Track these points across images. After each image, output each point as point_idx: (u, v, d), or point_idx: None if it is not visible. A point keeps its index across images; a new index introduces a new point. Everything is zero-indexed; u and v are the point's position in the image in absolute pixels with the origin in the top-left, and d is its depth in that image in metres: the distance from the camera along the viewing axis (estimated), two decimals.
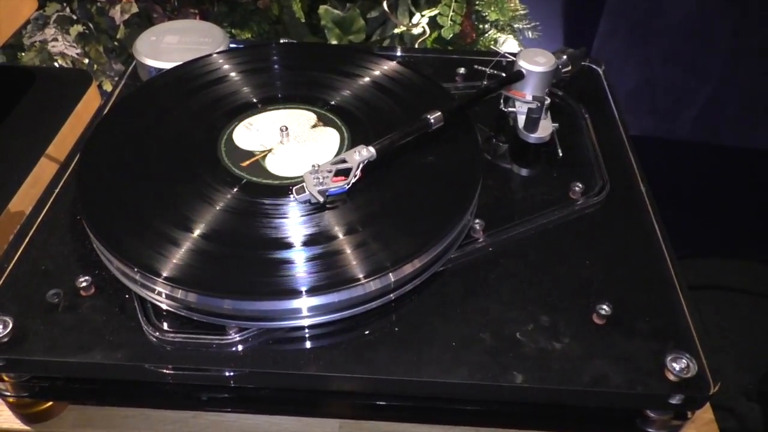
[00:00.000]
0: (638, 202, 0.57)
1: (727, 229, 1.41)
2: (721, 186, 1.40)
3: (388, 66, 0.63)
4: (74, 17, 1.10)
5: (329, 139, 0.57)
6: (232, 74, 0.63)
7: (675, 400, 0.44)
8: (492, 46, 1.20)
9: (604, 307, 0.48)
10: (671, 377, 0.44)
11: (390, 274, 0.46)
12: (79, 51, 1.08)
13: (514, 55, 0.64)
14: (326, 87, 0.62)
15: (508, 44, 1.22)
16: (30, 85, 0.91)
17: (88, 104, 0.93)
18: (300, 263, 0.46)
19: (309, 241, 0.48)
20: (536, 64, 0.60)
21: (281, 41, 0.78)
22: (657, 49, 1.31)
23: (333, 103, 0.60)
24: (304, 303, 0.45)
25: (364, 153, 0.51)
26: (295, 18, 1.13)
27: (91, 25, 1.11)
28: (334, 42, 1.12)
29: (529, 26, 1.21)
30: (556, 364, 0.45)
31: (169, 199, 0.51)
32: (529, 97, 0.61)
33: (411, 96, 0.60)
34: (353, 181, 0.50)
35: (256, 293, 0.44)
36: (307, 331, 0.46)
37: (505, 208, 0.56)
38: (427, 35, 1.11)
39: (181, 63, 0.63)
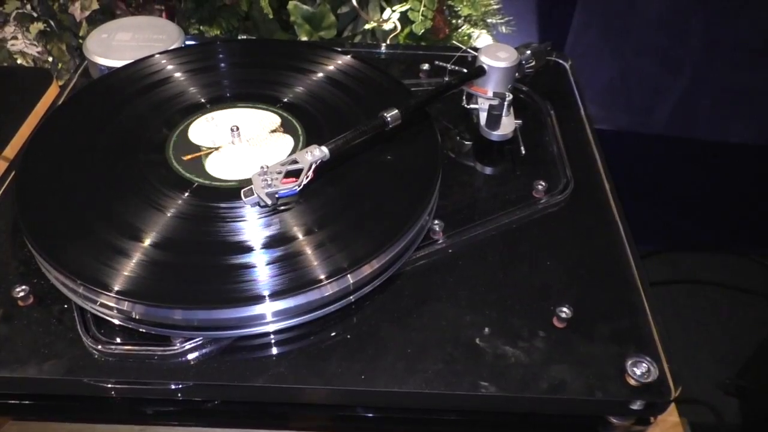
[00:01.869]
0: (602, 200, 0.56)
1: (703, 222, 1.41)
2: (697, 180, 1.40)
3: (347, 62, 0.62)
4: (35, 14, 1.07)
5: (284, 143, 0.55)
6: (184, 73, 0.61)
7: (636, 406, 0.43)
8: (465, 42, 1.19)
9: (565, 309, 0.46)
10: (632, 382, 0.43)
11: (349, 275, 0.44)
12: (39, 49, 1.05)
13: (476, 50, 0.62)
14: (281, 84, 0.60)
15: (481, 39, 1.21)
16: None
17: (48, 104, 0.90)
18: (252, 268, 0.44)
19: (263, 245, 0.46)
20: (498, 59, 0.59)
21: (239, 38, 0.76)
22: (631, 43, 1.30)
23: (286, 100, 0.58)
24: (252, 310, 0.43)
25: (317, 153, 0.49)
26: (264, 14, 1.11)
27: (52, 23, 1.08)
28: (304, 38, 1.09)
29: (502, 21, 1.20)
30: (514, 370, 0.43)
31: (113, 204, 0.48)
32: (490, 94, 0.59)
33: (371, 93, 0.59)
34: (305, 182, 0.48)
35: (199, 302, 0.42)
36: (255, 340, 0.44)
37: (466, 208, 0.55)
38: (399, 31, 1.09)
39: (132, 61, 0.61)
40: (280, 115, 0.57)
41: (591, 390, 0.42)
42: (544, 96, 0.66)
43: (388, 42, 1.11)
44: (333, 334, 0.45)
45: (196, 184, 0.50)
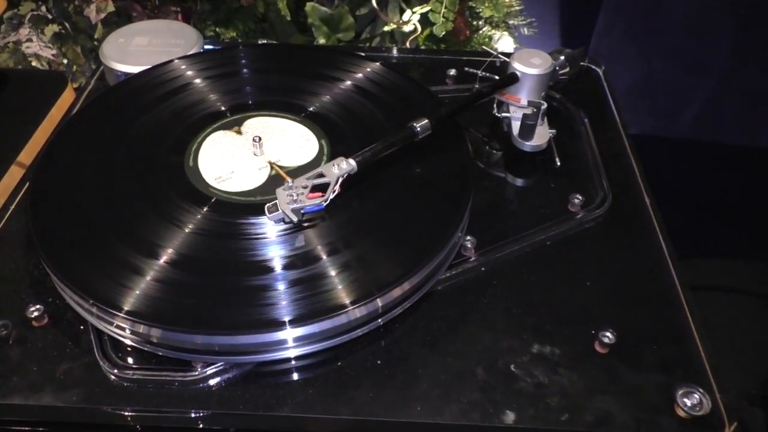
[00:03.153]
0: (642, 215, 0.53)
1: (728, 228, 1.37)
2: (723, 185, 1.37)
3: (374, 69, 0.59)
4: (50, 16, 1.05)
5: (307, 153, 0.52)
6: (205, 79, 0.58)
7: None
8: (486, 44, 1.16)
9: (608, 334, 0.43)
10: (681, 414, 0.40)
11: (378, 299, 0.42)
12: (54, 52, 1.04)
13: (508, 55, 0.59)
14: (305, 93, 0.57)
15: (503, 42, 1.18)
16: (1, 88, 0.87)
17: (63, 108, 0.89)
18: (275, 291, 0.42)
19: (285, 266, 0.43)
20: (531, 66, 0.56)
21: (259, 42, 0.74)
22: (657, 45, 1.27)
23: (311, 109, 0.56)
24: (277, 335, 0.41)
25: (344, 166, 0.47)
26: (281, 16, 1.08)
27: (67, 25, 1.06)
28: (322, 41, 1.07)
29: (524, 23, 1.17)
30: (555, 400, 0.41)
31: (130, 219, 0.46)
32: (524, 102, 0.56)
33: (396, 101, 0.56)
34: (331, 197, 0.46)
35: (223, 327, 0.40)
36: (279, 365, 0.42)
37: (498, 223, 0.52)
38: (419, 33, 1.07)
39: (149, 66, 0.59)
40: (305, 125, 0.54)
41: (638, 423, 0.40)
42: (577, 104, 0.63)
43: (408, 44, 1.09)
44: (361, 359, 0.42)
45: (214, 198, 0.48)
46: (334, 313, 0.40)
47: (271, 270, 0.43)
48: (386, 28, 1.08)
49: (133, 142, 0.52)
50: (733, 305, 1.36)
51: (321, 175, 0.47)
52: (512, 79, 0.56)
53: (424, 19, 1.08)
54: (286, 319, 0.40)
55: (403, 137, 0.50)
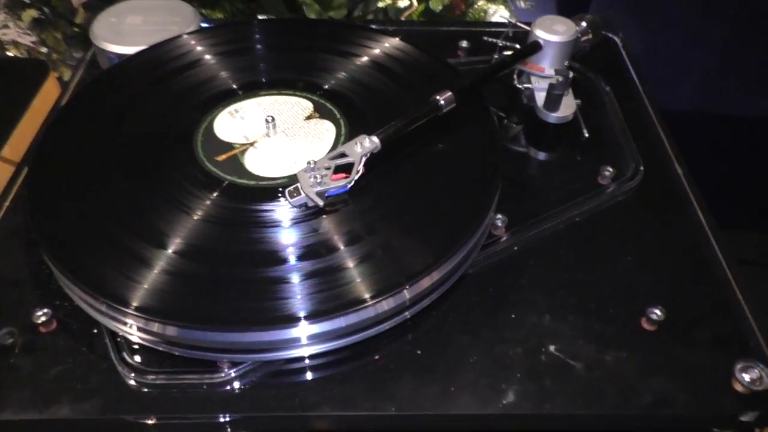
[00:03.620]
0: (677, 187, 0.51)
1: (734, 201, 1.36)
2: (727, 158, 1.35)
3: (389, 43, 0.55)
4: (27, 1, 1.00)
5: (323, 131, 0.49)
6: (209, 57, 0.54)
7: (747, 417, 0.38)
8: (481, 18, 1.12)
9: (656, 311, 0.41)
10: (740, 389, 0.38)
11: (405, 291, 0.39)
12: (34, 39, 0.98)
13: (527, 24, 0.56)
14: (319, 69, 0.54)
15: (498, 15, 1.15)
16: None
17: (46, 98, 0.84)
18: (298, 282, 0.38)
19: (307, 254, 0.40)
20: (555, 33, 0.53)
21: (262, 17, 0.71)
22: (656, 18, 1.24)
23: (327, 87, 0.52)
24: (306, 330, 0.37)
25: (367, 144, 0.44)
26: None
27: (46, 10, 1.01)
28: (312, 16, 1.03)
29: None
30: (610, 384, 0.38)
31: (139, 209, 0.43)
32: (548, 71, 0.53)
33: (414, 76, 0.53)
34: (356, 177, 0.43)
35: (249, 322, 0.37)
36: (312, 361, 0.39)
37: (528, 200, 0.50)
38: (414, 8, 1.03)
39: (147, 46, 0.55)
40: (319, 104, 0.51)
41: (698, 402, 0.38)
42: (597, 73, 0.61)
43: (402, 20, 1.05)
44: (398, 350, 0.40)
45: (226, 182, 0.45)
46: (362, 305, 0.37)
47: (296, 259, 0.40)
48: (380, 5, 1.04)
49: (135, 125, 0.49)
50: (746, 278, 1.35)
51: (343, 155, 0.43)
52: (535, 47, 0.53)
53: None
54: (317, 311, 0.37)
55: (426, 111, 0.46)
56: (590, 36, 0.57)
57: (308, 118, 0.50)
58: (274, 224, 0.42)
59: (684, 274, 0.44)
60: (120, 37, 0.57)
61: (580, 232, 0.47)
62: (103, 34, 0.58)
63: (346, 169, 0.43)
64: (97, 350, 0.39)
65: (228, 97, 0.51)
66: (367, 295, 0.37)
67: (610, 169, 0.51)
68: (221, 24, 0.59)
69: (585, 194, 0.49)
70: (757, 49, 1.21)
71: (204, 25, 0.62)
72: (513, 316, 0.41)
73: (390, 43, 0.55)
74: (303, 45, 0.57)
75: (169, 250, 0.40)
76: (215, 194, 0.44)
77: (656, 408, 0.37)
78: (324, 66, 0.54)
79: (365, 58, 0.54)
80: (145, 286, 0.38)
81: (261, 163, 0.46)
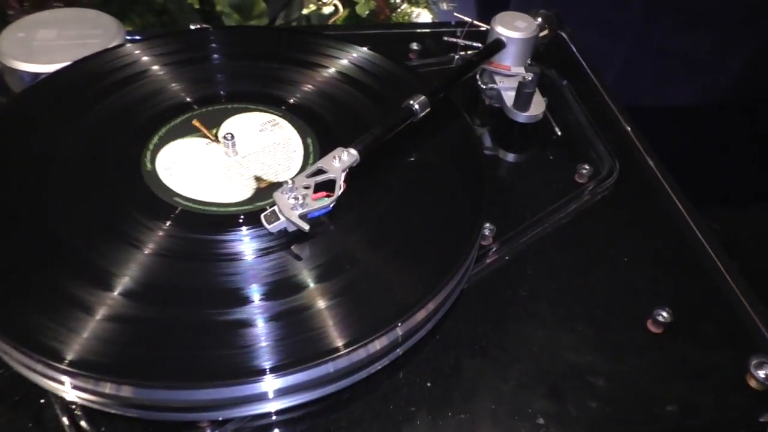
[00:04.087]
0: (651, 179, 0.50)
1: None
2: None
3: (356, 52, 0.51)
4: None
5: (290, 149, 0.44)
6: (149, 70, 0.48)
7: (765, 418, 0.37)
8: (405, 21, 1.11)
9: (663, 313, 0.39)
10: (756, 386, 0.37)
11: (397, 329, 0.34)
12: None
13: (480, 21, 0.54)
14: (281, 81, 0.49)
15: (422, 18, 1.13)
16: None
17: None
18: (272, 326, 0.33)
19: (287, 290, 0.35)
20: (517, 29, 0.51)
21: (221, 27, 0.64)
22: (572, 13, 1.26)
23: (292, 101, 0.47)
24: (287, 380, 0.32)
25: (345, 157, 0.39)
26: (183, 5, 0.97)
27: None
28: (236, 17, 0.97)
29: None
30: (634, 396, 0.36)
31: (76, 246, 0.36)
32: (514, 70, 0.51)
33: (380, 85, 0.49)
34: (339, 194, 0.38)
35: (224, 374, 0.31)
36: (308, 409, 0.34)
37: (512, 204, 0.47)
38: (339, 15, 1.00)
39: (70, 63, 0.48)
40: (283, 118, 0.46)
41: (723, 407, 0.36)
42: (553, 70, 0.59)
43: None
44: (408, 383, 0.36)
45: (179, 208, 0.39)
46: (359, 344, 0.33)
47: (272, 297, 0.35)
48: (304, 11, 1.00)
49: (71, 149, 0.42)
50: None
51: (321, 171, 0.39)
52: (499, 45, 0.50)
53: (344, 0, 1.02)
54: (298, 359, 0.32)
55: (402, 118, 0.43)
56: (546, 32, 0.55)
57: (272, 134, 0.45)
58: (243, 256, 0.37)
59: (679, 270, 0.43)
60: (32, 54, 0.50)
61: (570, 234, 0.45)
62: (12, 51, 0.50)
63: (326, 187, 0.39)
64: (46, 424, 0.32)
65: (180, 113, 0.45)
66: (364, 336, 0.33)
67: (587, 167, 0.49)
68: (162, 34, 0.52)
69: (567, 194, 0.47)
70: (666, 39, 1.26)
71: (128, 38, 0.55)
72: (520, 331, 0.38)
73: (357, 53, 0.51)
74: (261, 55, 0.51)
75: (115, 292, 0.34)
76: (168, 224, 0.38)
77: (682, 419, 0.35)
78: (287, 78, 0.49)
79: (331, 69, 0.50)
80: (85, 336, 0.31)
81: (220, 187, 0.41)
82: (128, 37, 0.56)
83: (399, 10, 1.10)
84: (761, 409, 0.36)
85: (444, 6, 1.14)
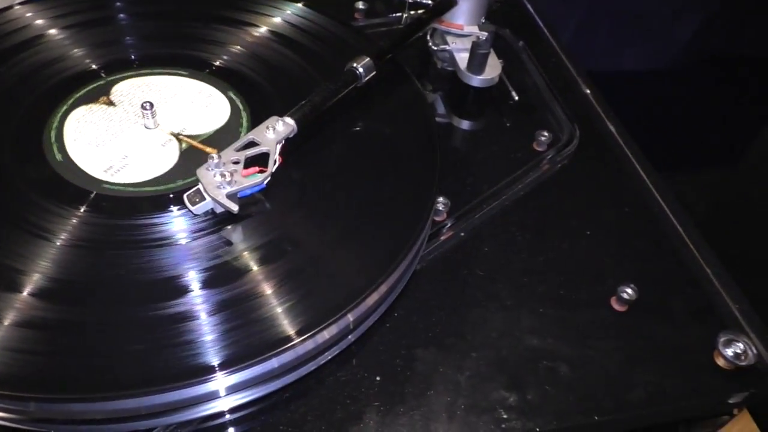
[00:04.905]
0: (612, 145, 0.47)
1: None
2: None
3: (289, 9, 0.46)
4: None
5: (217, 118, 0.39)
6: (55, 31, 0.42)
7: (734, 399, 0.35)
8: None
9: (627, 290, 0.36)
10: (725, 365, 0.35)
11: (348, 314, 0.31)
12: None
13: None
14: (205, 42, 0.43)
15: None
16: None
17: None
18: (208, 319, 0.29)
19: (219, 280, 0.31)
20: None
21: None
22: None
23: (218, 63, 0.42)
24: (227, 381, 0.29)
25: (280, 127, 0.35)
26: None
27: None
28: None
29: None
30: (600, 384, 0.33)
31: None
32: (467, 29, 0.47)
33: (320, 46, 0.44)
34: (273, 169, 0.34)
35: (152, 382, 0.27)
36: (236, 414, 0.30)
37: (466, 176, 0.43)
38: None
39: None
40: (209, 83, 0.41)
41: (691, 389, 0.34)
42: (508, 30, 0.55)
43: None
44: (355, 380, 0.32)
45: (94, 193, 0.34)
46: (305, 335, 0.29)
47: (208, 287, 0.31)
48: None
49: None
50: None
51: (253, 144, 0.35)
52: (451, 2, 0.46)
53: None
54: (217, 362, 0.28)
55: (345, 83, 0.38)
56: None
57: (196, 102, 0.40)
58: (172, 242, 0.32)
59: (644, 245, 0.40)
60: None
61: (529, 207, 0.42)
62: None
63: (259, 161, 0.34)
64: None
65: (87, 81, 0.40)
66: (303, 327, 0.29)
67: (546, 134, 0.46)
68: None
69: (525, 164, 0.44)
70: (617, 5, 1.24)
71: None
72: (479, 316, 0.35)
73: (290, 9, 0.46)
74: (178, 13, 0.46)
75: (23, 293, 0.29)
76: (83, 209, 0.33)
77: (652, 403, 0.33)
78: (211, 38, 0.44)
79: (262, 28, 0.45)
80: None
81: (139, 164, 0.36)
82: None
83: None
84: (730, 390, 0.34)
85: None
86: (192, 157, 0.36)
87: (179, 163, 0.36)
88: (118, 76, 0.40)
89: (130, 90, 0.40)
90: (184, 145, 0.37)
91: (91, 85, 0.40)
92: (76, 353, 0.28)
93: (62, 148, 0.36)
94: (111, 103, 0.39)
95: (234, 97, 0.40)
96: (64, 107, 0.38)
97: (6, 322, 0.28)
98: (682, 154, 1.44)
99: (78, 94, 0.39)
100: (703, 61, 1.40)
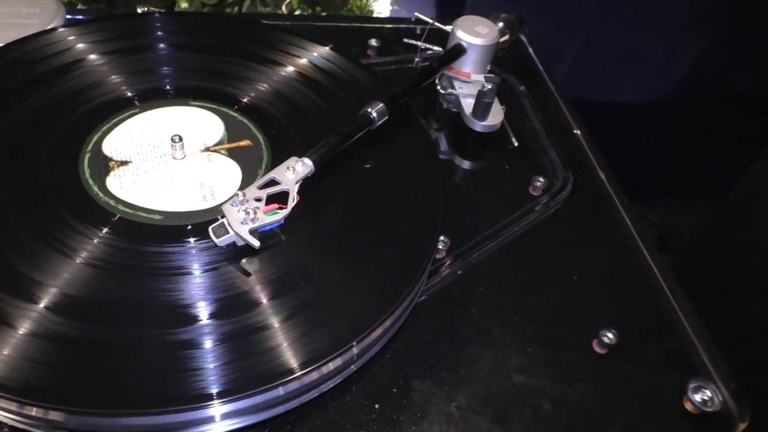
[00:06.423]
0: (603, 194, 0.50)
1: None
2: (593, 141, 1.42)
3: (317, 51, 0.49)
4: None
5: (242, 153, 0.42)
6: (94, 57, 0.45)
7: None
8: (363, 6, 1.08)
9: (608, 334, 0.40)
10: (693, 410, 0.38)
11: (354, 348, 0.33)
12: None
13: (432, 18, 0.53)
14: (235, 78, 0.46)
15: (380, 3, 1.11)
16: None
17: None
18: (217, 347, 0.32)
19: (228, 310, 0.33)
20: (478, 35, 0.50)
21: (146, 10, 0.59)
22: (529, 6, 1.26)
23: (246, 101, 0.45)
24: (223, 408, 0.31)
25: (300, 168, 0.38)
26: None
27: None
28: (185, 5, 0.93)
29: None
30: (580, 422, 0.36)
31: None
32: (474, 77, 0.50)
33: (339, 87, 0.47)
34: (292, 206, 0.37)
35: (162, 402, 0.30)
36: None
37: (466, 215, 0.46)
38: None
39: (3, 44, 0.44)
40: (235, 120, 0.44)
41: (661, 430, 0.37)
42: (512, 74, 0.59)
43: (283, 8, 0.98)
44: (353, 404, 0.35)
45: (118, 216, 0.37)
46: (312, 366, 0.32)
47: (219, 316, 0.33)
48: None
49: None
50: None
51: (274, 182, 0.37)
52: (460, 51, 0.49)
53: None
54: (255, 380, 0.31)
55: (359, 126, 0.41)
56: (507, 37, 0.55)
57: (221, 138, 0.43)
58: (190, 271, 0.35)
59: (626, 291, 0.44)
60: None
61: (522, 249, 0.45)
62: None
63: (278, 198, 0.37)
64: None
65: (122, 108, 0.43)
66: (311, 357, 0.32)
67: (542, 180, 0.49)
68: (106, 17, 0.49)
69: (521, 207, 0.47)
70: (618, 35, 1.28)
71: (68, 17, 0.52)
72: (472, 352, 0.38)
73: (317, 52, 0.49)
74: (214, 46, 0.49)
75: (41, 305, 0.32)
76: (105, 230, 0.36)
77: None
78: (242, 74, 0.46)
79: (289, 68, 0.47)
80: (5, 353, 0.30)
81: (164, 193, 0.39)
82: (69, 17, 0.52)
83: None
84: None
85: None
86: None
87: (198, 200, 0.39)
88: (150, 105, 0.43)
89: (160, 120, 0.43)
90: (218, 155, 0.40)
91: (125, 112, 0.42)
92: (85, 368, 0.30)
93: (94, 169, 0.39)
94: (143, 133, 0.42)
95: (257, 133, 0.43)
96: (98, 134, 0.41)
97: (20, 331, 0.31)
98: (672, 184, 1.49)
99: (113, 120, 0.42)
100: (696, 97, 1.44)
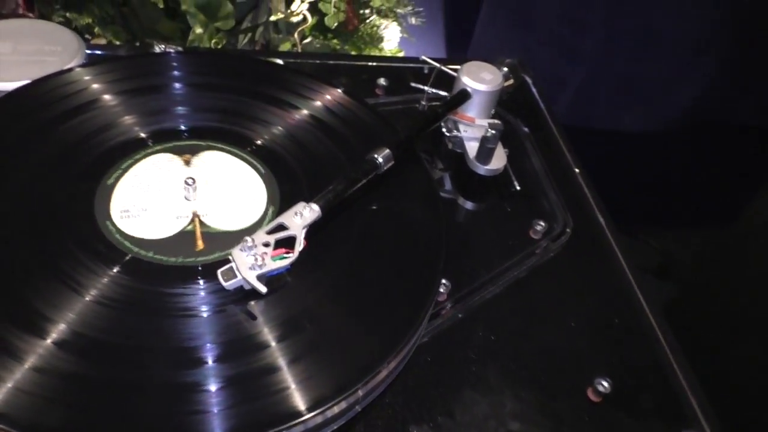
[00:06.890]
0: (601, 240, 0.51)
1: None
2: (593, 169, 1.43)
3: (330, 95, 0.50)
4: None
5: (249, 195, 0.44)
6: (102, 98, 0.47)
7: None
8: (374, 34, 1.10)
9: (603, 383, 0.41)
10: None
11: (359, 390, 0.35)
12: None
13: (440, 61, 0.55)
14: (250, 119, 0.48)
15: (390, 30, 1.13)
16: None
17: None
18: (222, 391, 0.33)
19: (236, 353, 0.35)
20: (483, 81, 0.52)
21: (162, 48, 0.61)
22: (536, 35, 1.29)
23: (260, 142, 0.47)
24: None
25: (307, 214, 0.39)
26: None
27: None
28: (199, 30, 0.95)
29: (411, 12, 1.12)
30: None
31: (10, 281, 0.36)
32: (478, 121, 0.52)
33: (346, 129, 0.49)
34: (299, 251, 0.38)
35: None
36: None
37: (466, 257, 0.48)
38: (308, 23, 0.98)
39: (26, 82, 0.46)
40: (248, 161, 0.45)
41: None
42: (514, 116, 0.60)
43: (296, 35, 1.00)
44: None
45: (130, 256, 0.39)
46: (315, 410, 0.33)
47: (228, 358, 0.34)
48: (272, 18, 0.98)
49: (13, 181, 0.41)
50: None
51: (282, 227, 0.39)
52: (465, 96, 0.51)
53: (313, 8, 1.00)
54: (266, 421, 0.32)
55: (365, 172, 0.43)
56: (511, 81, 0.56)
57: (233, 178, 0.44)
58: (198, 312, 0.36)
59: (621, 338, 0.45)
60: None
61: (520, 294, 0.46)
62: None
63: (286, 243, 0.38)
64: None
65: (137, 148, 0.44)
66: (316, 400, 0.33)
67: (542, 224, 0.50)
68: (123, 56, 0.50)
69: (521, 251, 0.49)
70: (621, 65, 1.30)
71: (93, 53, 0.54)
72: (468, 397, 0.39)
73: (330, 95, 0.50)
74: (229, 86, 0.50)
75: (48, 340, 0.33)
76: (116, 269, 0.37)
77: None
78: (256, 115, 0.48)
79: (303, 111, 0.49)
80: (9, 385, 0.31)
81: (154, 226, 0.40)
82: (88, 51, 0.54)
83: (368, 21, 1.10)
84: None
85: (413, 21, 1.14)
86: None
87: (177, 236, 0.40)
88: (163, 146, 0.45)
89: (171, 161, 0.44)
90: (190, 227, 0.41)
91: (140, 153, 0.44)
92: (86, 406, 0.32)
93: (107, 208, 0.40)
94: (158, 171, 0.43)
95: (267, 175, 0.45)
96: (117, 172, 0.42)
97: (26, 365, 0.32)
98: (674, 213, 1.49)
99: (128, 161, 0.43)
100: (698, 126, 1.45)
